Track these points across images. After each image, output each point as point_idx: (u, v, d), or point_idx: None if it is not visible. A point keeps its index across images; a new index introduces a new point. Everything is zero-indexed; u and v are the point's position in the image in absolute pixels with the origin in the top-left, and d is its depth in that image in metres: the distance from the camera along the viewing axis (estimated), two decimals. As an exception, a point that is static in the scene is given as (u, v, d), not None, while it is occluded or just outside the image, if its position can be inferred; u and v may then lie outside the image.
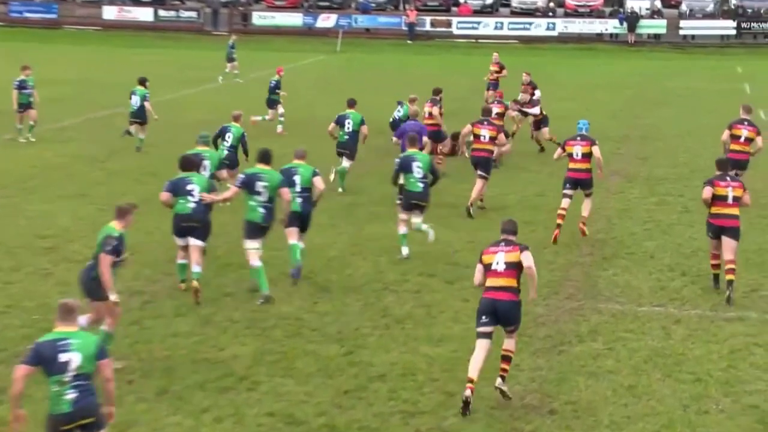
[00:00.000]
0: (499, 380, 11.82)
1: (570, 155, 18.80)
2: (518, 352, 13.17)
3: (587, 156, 18.72)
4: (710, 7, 65.97)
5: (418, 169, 17.36)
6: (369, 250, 17.94)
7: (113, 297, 12.24)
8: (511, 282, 11.66)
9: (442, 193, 22.16)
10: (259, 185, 15.03)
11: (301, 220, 15.98)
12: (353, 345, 13.51)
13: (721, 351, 13.36)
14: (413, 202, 17.42)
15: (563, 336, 13.90)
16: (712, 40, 63.46)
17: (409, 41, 64.29)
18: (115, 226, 12.44)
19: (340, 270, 16.81)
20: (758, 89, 40.44)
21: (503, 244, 11.93)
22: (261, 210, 15.04)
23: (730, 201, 15.81)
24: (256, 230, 15.11)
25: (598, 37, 65.44)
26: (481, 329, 11.66)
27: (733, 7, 63.98)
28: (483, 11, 68.43)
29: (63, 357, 8.88)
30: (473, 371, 11.47)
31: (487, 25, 65.85)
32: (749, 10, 64.05)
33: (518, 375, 12.58)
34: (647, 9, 65.41)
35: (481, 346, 11.61)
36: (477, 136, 21.07)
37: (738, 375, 12.61)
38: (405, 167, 17.40)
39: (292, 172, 16.02)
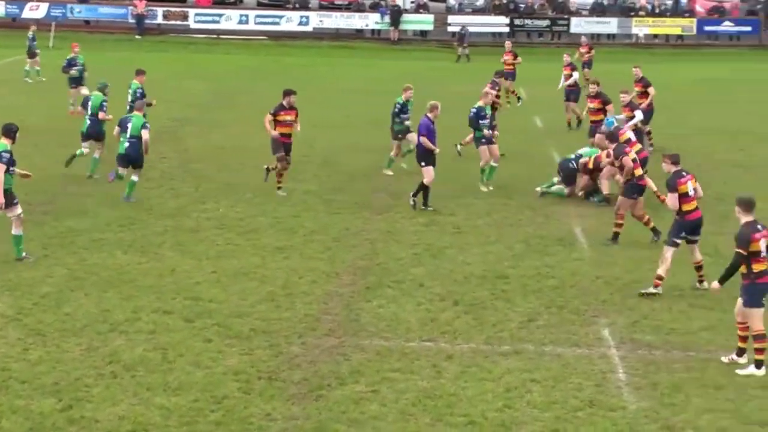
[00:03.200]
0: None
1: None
2: (269, 399, 13.33)
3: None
4: (480, 2, 68.73)
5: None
6: (92, 285, 17.63)
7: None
8: None
9: (183, 217, 22.09)
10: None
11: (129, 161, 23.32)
12: (73, 398, 13.22)
13: (496, 389, 13.92)
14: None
15: (321, 379, 14.11)
16: (483, 38, 66.05)
17: (137, 36, 63.65)
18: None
19: (56, 309, 16.41)
20: (533, 94, 42.41)
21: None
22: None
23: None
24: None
25: (358, 34, 66.89)
26: None
27: (505, 1, 66.85)
28: (225, 2, 68.58)
29: None
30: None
31: (229, 18, 66.08)
32: (521, 6, 67.15)
33: (270, 426, 12.69)
34: (412, 2, 67.38)
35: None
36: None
37: (514, 416, 13.17)
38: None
39: (126, 120, 23.49)
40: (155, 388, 13.62)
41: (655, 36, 65.90)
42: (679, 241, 17.67)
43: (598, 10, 66.50)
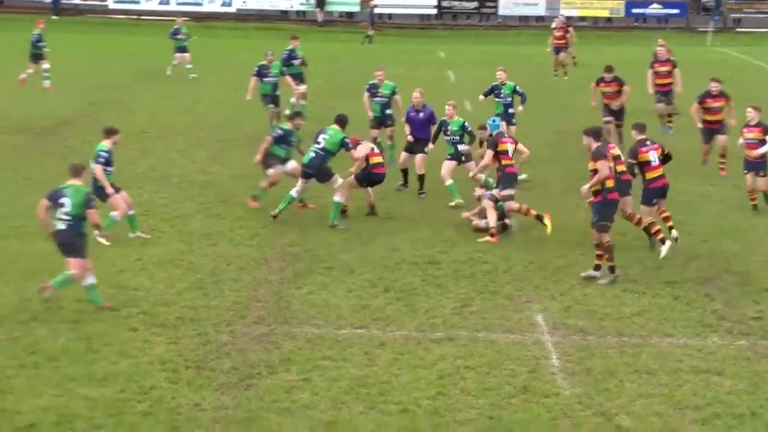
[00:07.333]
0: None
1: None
2: (198, 389, 13.25)
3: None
4: (408, -17, 68.87)
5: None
6: (13, 273, 17.39)
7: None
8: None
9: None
10: None
11: None
12: (-6, 390, 13.08)
13: (429, 377, 13.96)
14: None
15: (251, 367, 14.05)
16: (411, 20, 66.13)
17: (54, 17, 62.80)
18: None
19: (-24, 299, 16.21)
20: (461, 77, 42.55)
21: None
22: None
23: (655, 164, 19.34)
24: None
25: (283, 15, 66.62)
26: None
27: (432, -17, 67.03)
28: (145, -18, 68.00)
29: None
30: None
31: (150, -1, 65.45)
32: (450, -12, 67.38)
33: (199, 416, 12.62)
34: (338, -17, 67.37)
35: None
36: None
37: (448, 403, 13.22)
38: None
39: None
40: (79, 378, 13.50)
41: (583, 18, 66.40)
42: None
43: (526, -7, 66.88)
